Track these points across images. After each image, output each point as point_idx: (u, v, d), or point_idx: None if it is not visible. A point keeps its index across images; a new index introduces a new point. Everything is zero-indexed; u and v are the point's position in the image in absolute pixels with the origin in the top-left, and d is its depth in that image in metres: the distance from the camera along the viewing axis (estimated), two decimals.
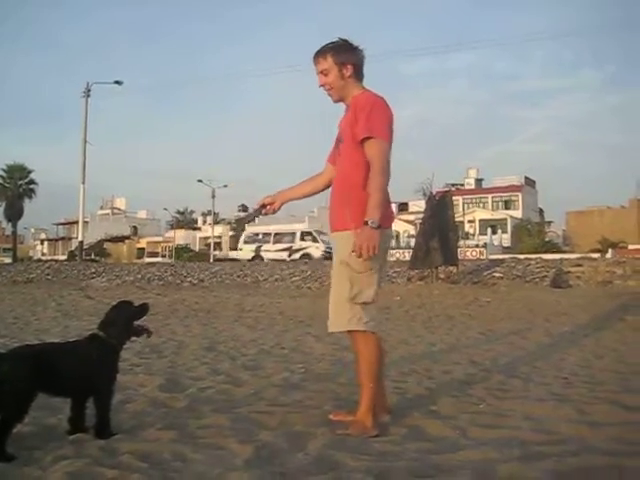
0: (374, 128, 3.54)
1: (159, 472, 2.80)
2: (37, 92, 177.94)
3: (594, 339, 8.29)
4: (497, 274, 19.75)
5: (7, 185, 55.04)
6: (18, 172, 55.24)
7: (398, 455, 3.12)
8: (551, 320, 10.74)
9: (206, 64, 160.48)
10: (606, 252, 37.01)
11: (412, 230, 48.63)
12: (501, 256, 28.79)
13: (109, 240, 69.04)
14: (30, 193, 55.76)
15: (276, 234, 38.38)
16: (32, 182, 55.82)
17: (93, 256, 55.91)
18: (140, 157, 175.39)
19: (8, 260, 49.76)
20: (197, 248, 72.47)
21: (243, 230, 45.77)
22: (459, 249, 22.01)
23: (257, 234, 39.95)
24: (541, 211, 70.22)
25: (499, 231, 58.26)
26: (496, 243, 52.63)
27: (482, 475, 2.80)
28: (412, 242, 19.18)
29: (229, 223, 64.15)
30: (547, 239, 53.98)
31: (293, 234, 37.91)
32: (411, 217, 48.68)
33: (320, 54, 3.74)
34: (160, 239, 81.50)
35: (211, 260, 47.85)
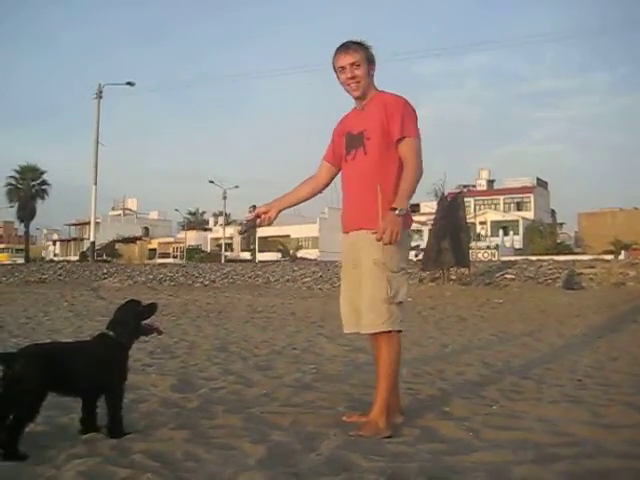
0: (410, 129, 3.61)
1: (171, 472, 2.79)
2: (50, 93, 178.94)
3: (607, 341, 8.24)
4: (509, 275, 19.71)
5: (20, 186, 55.32)
6: (31, 173, 55.53)
7: (411, 456, 3.10)
8: (564, 322, 10.69)
9: (217, 64, 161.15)
10: (619, 254, 36.85)
11: (425, 231, 48.39)
12: (513, 258, 28.74)
13: (121, 241, 69.24)
14: (42, 194, 56.05)
15: None
16: (45, 183, 56.13)
17: (105, 257, 56.16)
18: (151, 158, 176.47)
19: (21, 260, 50.11)
20: (208, 249, 72.71)
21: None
22: (470, 250, 21.95)
23: None
24: (553, 212, 69.98)
25: (511, 232, 58.14)
26: (508, 245, 52.54)
27: (496, 477, 2.77)
28: (423, 244, 19.01)
29: (240, 224, 64.28)
30: (559, 241, 53.82)
31: None
32: (422, 218, 48.54)
33: (352, 47, 3.72)
34: (171, 240, 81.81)
35: (222, 261, 47.99)
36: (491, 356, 6.65)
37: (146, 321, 3.49)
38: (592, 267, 20.13)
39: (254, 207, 4.48)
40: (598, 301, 14.34)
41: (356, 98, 3.81)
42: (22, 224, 58.94)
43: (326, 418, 3.84)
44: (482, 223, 61.18)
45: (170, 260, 59.92)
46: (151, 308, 3.52)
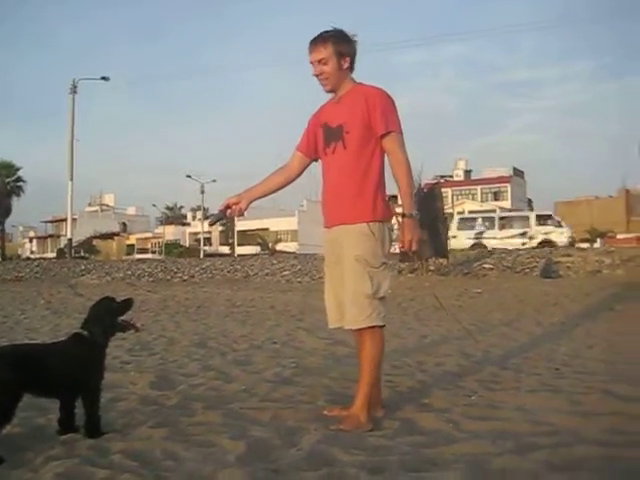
0: (393, 123, 3.61)
1: (150, 471, 2.77)
2: (24, 89, 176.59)
3: (585, 329, 8.32)
4: (487, 265, 19.83)
5: None
6: (6, 170, 54.77)
7: (391, 449, 3.10)
8: (541, 311, 10.77)
9: (194, 58, 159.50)
10: (595, 242, 37.22)
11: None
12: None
13: (98, 237, 68.64)
14: (18, 191, 55.33)
15: (501, 218, 32.71)
16: (20, 180, 55.41)
17: (82, 253, 55.65)
18: (128, 153, 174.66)
19: None
20: (187, 244, 72.37)
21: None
22: (448, 241, 22.04)
23: (474, 218, 33.37)
24: (530, 202, 70.45)
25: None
26: None
27: (476, 468, 2.79)
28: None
29: (208, 216, 63.92)
30: None
31: (526, 218, 31.95)
32: (399, 209, 48.50)
33: (320, 42, 3.66)
34: (150, 235, 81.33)
35: (201, 256, 47.79)
36: (470, 346, 6.68)
37: (123, 317, 3.46)
38: (569, 255, 20.30)
39: None
40: (575, 289, 14.47)
41: (328, 92, 3.79)
42: None
43: (306, 413, 3.84)
44: (460, 213, 61.46)
45: (149, 255, 59.49)
46: (126, 304, 3.48)
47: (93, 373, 3.29)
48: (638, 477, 2.79)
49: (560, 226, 30.79)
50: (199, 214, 73.66)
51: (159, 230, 79.73)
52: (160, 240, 74.18)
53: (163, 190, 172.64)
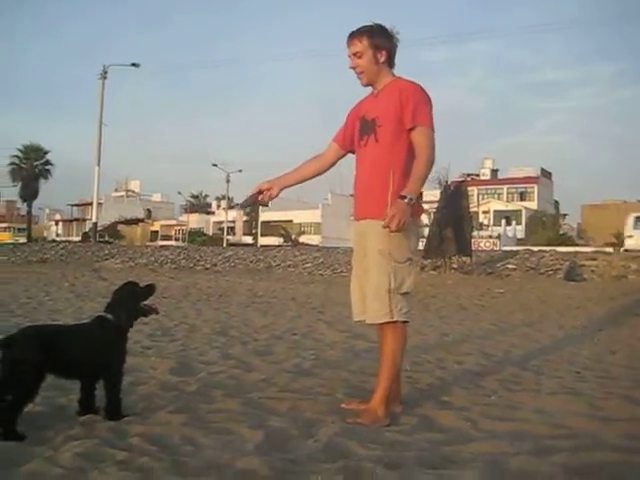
0: (425, 117, 3.58)
1: (169, 456, 2.79)
2: (55, 73, 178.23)
3: (607, 333, 8.23)
4: (511, 265, 19.70)
5: (23, 165, 55.29)
6: (34, 153, 55.46)
7: (408, 445, 3.10)
8: (564, 313, 10.68)
9: (222, 48, 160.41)
10: (621, 246, 36.74)
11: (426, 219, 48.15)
12: (515, 248, 28.69)
13: (123, 222, 69.23)
14: (46, 174, 56.01)
15: None
16: (48, 163, 56.05)
17: (107, 238, 56.20)
18: (156, 140, 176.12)
19: (23, 240, 50.08)
20: (210, 232, 72.75)
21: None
22: (473, 240, 21.94)
23: None
24: (556, 203, 69.89)
25: (513, 222, 58.06)
26: (510, 234, 52.46)
27: (493, 468, 2.77)
28: (425, 232, 18.96)
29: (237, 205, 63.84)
30: (561, 232, 53.73)
31: None
32: (425, 206, 48.41)
33: (356, 36, 3.68)
34: (174, 222, 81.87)
35: (224, 245, 47.99)
36: (491, 346, 6.65)
37: (144, 302, 3.49)
38: (594, 259, 20.10)
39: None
40: (599, 293, 14.32)
41: (365, 85, 3.78)
42: (25, 204, 59.05)
43: (324, 405, 3.84)
44: (485, 212, 61.18)
45: (172, 242, 59.96)
46: (149, 289, 3.51)
47: (116, 356, 3.32)
48: None
49: None
50: (224, 203, 73.96)
51: (183, 218, 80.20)
52: (184, 228, 74.64)
53: (189, 178, 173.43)
